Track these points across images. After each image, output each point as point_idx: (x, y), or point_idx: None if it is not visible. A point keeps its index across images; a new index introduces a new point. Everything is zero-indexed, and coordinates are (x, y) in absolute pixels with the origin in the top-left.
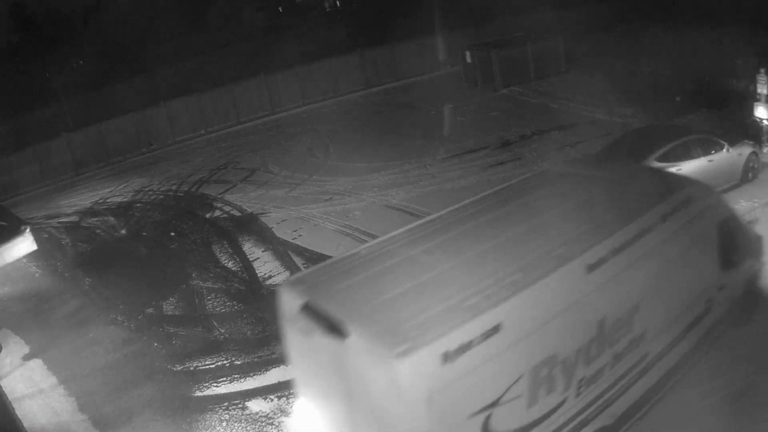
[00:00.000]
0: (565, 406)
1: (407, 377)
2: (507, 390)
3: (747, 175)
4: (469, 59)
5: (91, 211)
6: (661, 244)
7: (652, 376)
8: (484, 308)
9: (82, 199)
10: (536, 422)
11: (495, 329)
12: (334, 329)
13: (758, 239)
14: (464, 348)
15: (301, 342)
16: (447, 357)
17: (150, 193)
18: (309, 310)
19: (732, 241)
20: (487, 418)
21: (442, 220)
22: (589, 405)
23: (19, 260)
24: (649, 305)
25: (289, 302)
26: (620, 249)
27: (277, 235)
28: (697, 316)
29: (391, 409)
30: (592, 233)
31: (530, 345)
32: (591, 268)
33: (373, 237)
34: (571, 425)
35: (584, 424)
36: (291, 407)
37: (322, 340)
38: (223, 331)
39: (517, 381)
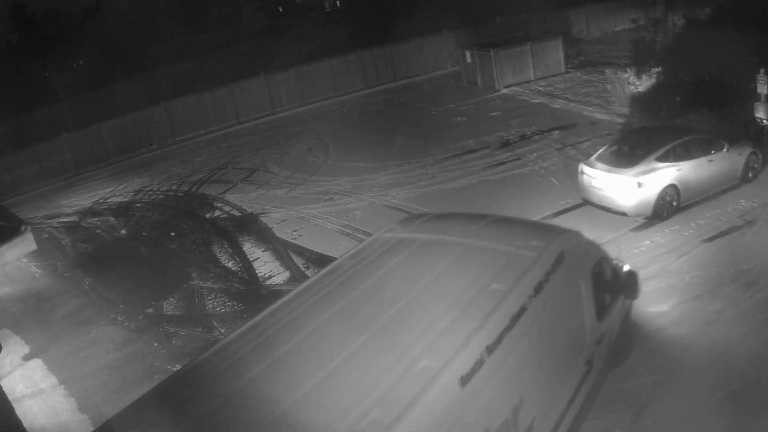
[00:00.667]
0: None
1: None
2: None
3: (747, 175)
4: (469, 59)
5: (91, 211)
6: (537, 320)
7: None
8: None
9: (82, 199)
10: None
11: None
12: None
13: (631, 275)
14: None
15: None
16: None
17: (150, 193)
18: None
19: (605, 285)
20: None
21: (256, 332)
22: None
23: (19, 260)
24: (534, 393)
25: None
26: (495, 345)
27: (277, 235)
28: (580, 380)
29: None
30: (457, 330)
31: None
32: (465, 379)
33: None
34: None
35: None
36: None
37: None
38: (223, 331)
39: None
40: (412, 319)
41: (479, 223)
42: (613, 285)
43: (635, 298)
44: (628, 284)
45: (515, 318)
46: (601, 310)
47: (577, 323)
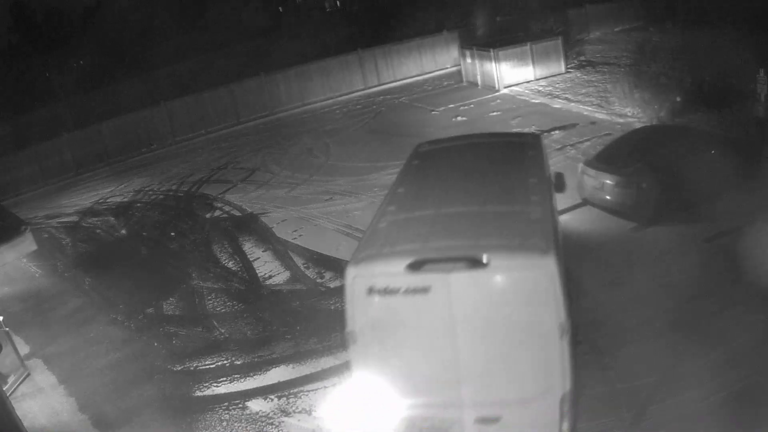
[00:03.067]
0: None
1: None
2: None
3: (747, 174)
4: (469, 59)
5: (91, 211)
6: (541, 184)
7: None
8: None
9: (83, 199)
10: None
11: None
12: (474, 261)
13: (560, 176)
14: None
15: (414, 300)
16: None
17: (150, 193)
18: (425, 263)
19: (550, 177)
20: None
21: (408, 196)
22: None
23: (19, 260)
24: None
25: (389, 268)
26: (550, 188)
27: (278, 234)
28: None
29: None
30: (535, 178)
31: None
32: (553, 201)
33: None
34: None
35: None
36: (291, 407)
37: (460, 278)
38: (223, 331)
39: None
40: (500, 179)
41: (487, 135)
42: (551, 180)
43: (562, 192)
44: (559, 182)
45: (547, 169)
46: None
47: (551, 195)
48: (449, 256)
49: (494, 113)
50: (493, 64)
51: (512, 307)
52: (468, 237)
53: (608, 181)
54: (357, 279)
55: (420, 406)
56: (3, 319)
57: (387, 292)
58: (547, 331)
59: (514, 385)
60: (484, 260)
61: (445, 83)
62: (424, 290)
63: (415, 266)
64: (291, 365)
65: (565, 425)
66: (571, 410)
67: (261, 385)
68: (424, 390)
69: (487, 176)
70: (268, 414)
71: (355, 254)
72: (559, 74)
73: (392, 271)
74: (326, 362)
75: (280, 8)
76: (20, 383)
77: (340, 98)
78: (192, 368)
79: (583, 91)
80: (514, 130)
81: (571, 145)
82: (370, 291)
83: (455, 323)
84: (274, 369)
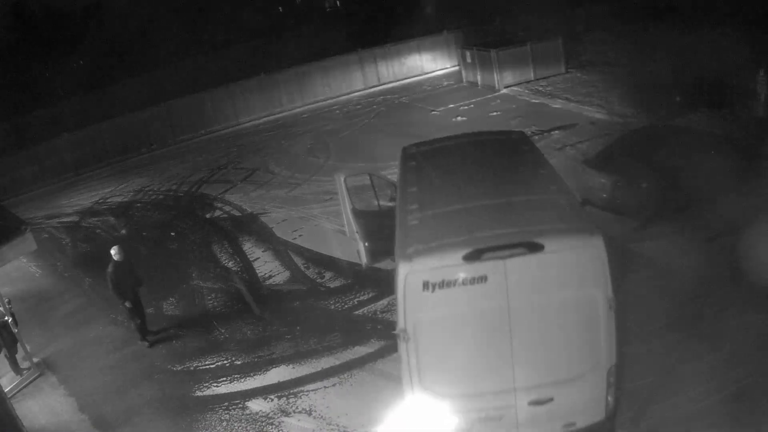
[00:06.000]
0: None
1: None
2: None
3: (747, 174)
4: (469, 59)
5: (91, 211)
6: (551, 175)
7: None
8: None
9: (83, 199)
10: None
11: None
12: (532, 246)
13: None
14: None
15: (470, 290)
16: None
17: (150, 193)
18: (483, 252)
19: None
20: None
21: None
22: None
23: (19, 260)
24: None
25: (445, 261)
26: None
27: (278, 235)
28: None
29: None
30: (535, 178)
31: None
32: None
33: None
34: None
35: None
36: (291, 407)
37: (517, 263)
38: (223, 331)
39: None
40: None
41: (473, 135)
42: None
43: None
44: None
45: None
46: None
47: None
48: (507, 243)
49: (494, 113)
50: (493, 64)
51: (566, 286)
52: (512, 225)
53: (608, 181)
54: (411, 275)
55: (474, 397)
56: (11, 320)
57: (444, 285)
58: (597, 307)
59: (565, 364)
60: (542, 244)
61: (445, 83)
62: (482, 279)
63: (472, 256)
64: (291, 365)
65: (611, 397)
66: (617, 382)
67: (261, 385)
68: (478, 380)
69: (495, 170)
70: (268, 414)
71: (401, 252)
72: (559, 74)
73: (449, 263)
74: (326, 362)
75: (280, 8)
76: (30, 382)
77: (340, 98)
78: (192, 368)
79: (583, 91)
80: (516, 130)
81: (571, 145)
82: (426, 286)
83: (510, 309)
84: (274, 369)
